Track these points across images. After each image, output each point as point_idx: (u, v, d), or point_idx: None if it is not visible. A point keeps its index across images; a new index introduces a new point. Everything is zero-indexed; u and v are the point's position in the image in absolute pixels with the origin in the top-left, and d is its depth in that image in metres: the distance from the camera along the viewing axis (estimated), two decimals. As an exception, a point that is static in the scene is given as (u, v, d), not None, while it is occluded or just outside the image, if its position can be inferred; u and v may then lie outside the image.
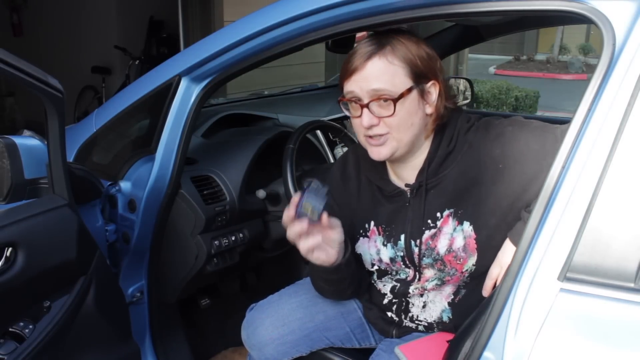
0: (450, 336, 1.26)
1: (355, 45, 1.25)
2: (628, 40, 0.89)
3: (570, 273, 0.85)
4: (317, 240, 1.15)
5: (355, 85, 1.18)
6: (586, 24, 1.07)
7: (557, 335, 0.85)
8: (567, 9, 0.97)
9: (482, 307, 1.03)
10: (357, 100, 1.19)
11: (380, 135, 1.19)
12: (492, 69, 14.04)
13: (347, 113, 1.24)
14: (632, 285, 0.82)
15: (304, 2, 1.27)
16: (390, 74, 1.16)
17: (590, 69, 12.65)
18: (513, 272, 0.91)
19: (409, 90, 1.17)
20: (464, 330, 1.11)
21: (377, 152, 1.21)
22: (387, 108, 1.16)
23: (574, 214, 0.86)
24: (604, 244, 0.84)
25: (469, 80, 2.47)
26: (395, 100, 1.15)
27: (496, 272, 1.16)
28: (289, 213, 1.13)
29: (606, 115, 0.87)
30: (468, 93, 2.40)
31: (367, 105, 1.17)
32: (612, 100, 0.87)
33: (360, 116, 1.19)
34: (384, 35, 1.20)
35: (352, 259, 1.29)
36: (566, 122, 0.98)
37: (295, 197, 1.12)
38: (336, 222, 1.19)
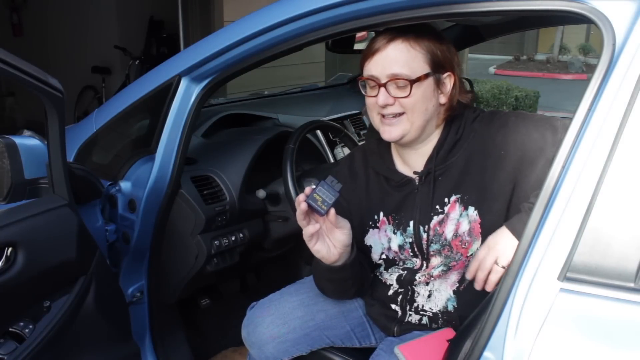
0: (450, 335, 1.26)
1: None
2: (628, 40, 0.89)
3: (571, 273, 0.86)
4: (316, 227, 1.16)
5: (375, 66, 1.22)
6: (586, 24, 1.07)
7: (557, 335, 0.85)
8: (567, 9, 0.97)
9: (482, 307, 1.03)
10: (376, 80, 1.23)
11: (394, 114, 1.23)
12: (492, 69, 14.03)
13: (363, 92, 1.27)
14: (632, 285, 0.82)
15: (304, 2, 1.27)
16: (410, 58, 1.20)
17: (590, 69, 12.64)
18: (513, 272, 0.91)
19: (426, 75, 1.21)
20: (464, 330, 1.11)
21: (388, 132, 1.25)
22: (404, 89, 1.21)
23: (574, 214, 0.86)
24: (604, 243, 0.85)
25: (469, 80, 2.47)
26: (412, 82, 1.20)
27: (483, 254, 1.16)
28: (300, 198, 1.15)
29: (606, 115, 0.87)
30: (468, 93, 2.41)
31: (384, 85, 1.21)
32: (612, 100, 0.87)
33: (376, 95, 1.22)
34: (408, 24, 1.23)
35: (357, 261, 1.29)
36: (566, 122, 0.98)
37: (309, 188, 1.15)
38: (345, 224, 1.19)
